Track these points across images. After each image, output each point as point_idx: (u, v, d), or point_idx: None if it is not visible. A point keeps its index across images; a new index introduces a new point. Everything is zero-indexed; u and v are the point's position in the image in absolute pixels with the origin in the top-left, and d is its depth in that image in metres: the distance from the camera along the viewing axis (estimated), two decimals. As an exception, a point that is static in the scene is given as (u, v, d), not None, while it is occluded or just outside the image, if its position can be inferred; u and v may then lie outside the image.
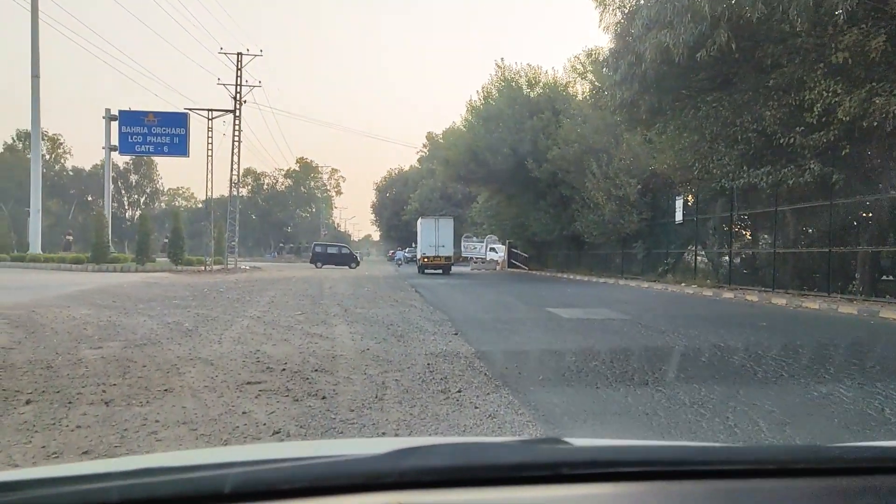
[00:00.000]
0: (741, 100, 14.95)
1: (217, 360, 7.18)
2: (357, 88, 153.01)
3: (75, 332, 9.59)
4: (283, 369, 6.64)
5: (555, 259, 35.36)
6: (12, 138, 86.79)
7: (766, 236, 19.19)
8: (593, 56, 22.67)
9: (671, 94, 15.79)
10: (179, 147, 36.20)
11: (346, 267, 42.52)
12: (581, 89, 30.24)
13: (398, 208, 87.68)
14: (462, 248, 47.06)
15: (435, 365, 6.91)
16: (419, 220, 36.12)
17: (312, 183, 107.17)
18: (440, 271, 33.28)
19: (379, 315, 12.33)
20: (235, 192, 36.92)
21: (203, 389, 5.75)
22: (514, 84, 30.65)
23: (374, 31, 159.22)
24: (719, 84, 15.32)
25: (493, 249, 46.10)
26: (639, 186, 22.81)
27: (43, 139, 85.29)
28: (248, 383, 5.96)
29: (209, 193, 33.88)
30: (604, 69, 16.38)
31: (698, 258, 22.32)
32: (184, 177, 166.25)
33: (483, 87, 31.23)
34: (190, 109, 34.07)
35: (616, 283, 23.66)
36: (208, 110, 33.55)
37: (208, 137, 33.34)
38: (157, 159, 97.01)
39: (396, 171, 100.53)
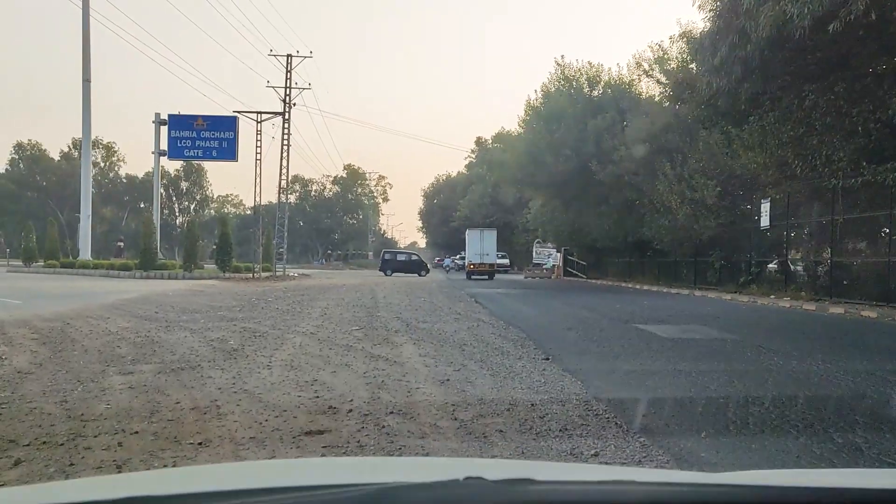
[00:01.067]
0: (859, 85, 13.09)
1: (266, 394, 5.81)
2: (405, 91, 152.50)
3: (107, 352, 8.38)
4: (350, 410, 5.22)
5: (616, 267, 33.47)
6: (68, 147, 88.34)
7: (864, 243, 17.16)
8: (684, 38, 20.41)
9: (776, 81, 13.96)
10: (228, 151, 35.52)
11: (416, 275, 40.95)
12: (646, 87, 28.45)
13: (446, 215, 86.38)
14: (533, 255, 45.58)
15: (542, 406, 5.41)
16: (467, 232, 39.67)
17: (359, 190, 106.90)
18: (486, 277, 36.68)
19: (446, 331, 10.88)
20: (284, 198, 36.03)
21: (248, 442, 4.36)
22: (574, 83, 28.98)
23: (423, 34, 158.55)
24: (833, 67, 13.44)
25: (548, 256, 44.44)
26: (718, 189, 20.88)
27: (98, 147, 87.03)
28: (308, 433, 4.55)
29: (257, 198, 33.04)
30: (697, 54, 14.57)
31: (785, 268, 20.27)
32: (233, 184, 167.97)
33: (542, 86, 29.70)
34: (239, 112, 33.39)
35: (691, 295, 21.77)
36: (257, 113, 32.72)
37: (257, 141, 32.55)
38: (206, 166, 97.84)
39: (444, 177, 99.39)
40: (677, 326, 11.79)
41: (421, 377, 6.75)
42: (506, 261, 50.77)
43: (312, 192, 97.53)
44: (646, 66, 28.64)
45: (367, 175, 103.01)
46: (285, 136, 33.62)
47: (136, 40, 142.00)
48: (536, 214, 41.93)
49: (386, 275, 40.92)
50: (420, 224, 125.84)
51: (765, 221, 19.21)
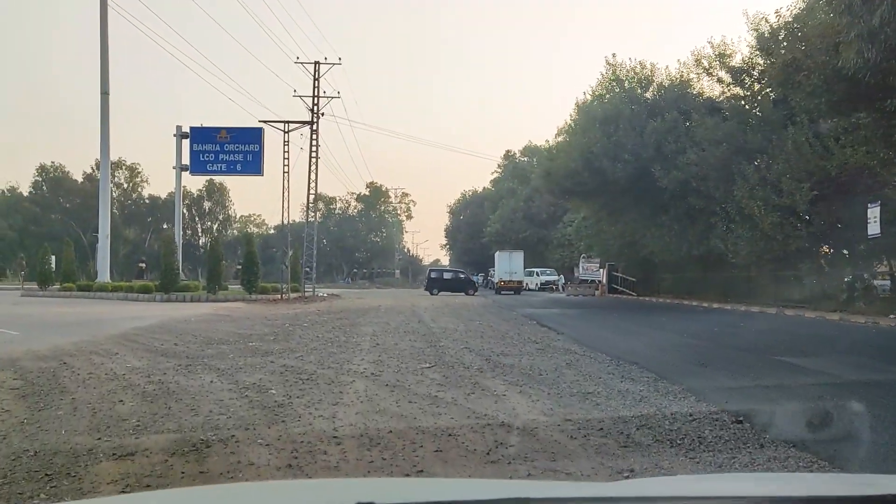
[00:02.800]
0: None
1: None
2: (431, 103, 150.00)
3: (104, 410, 6.07)
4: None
5: (671, 283, 30.76)
6: (91, 168, 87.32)
7: None
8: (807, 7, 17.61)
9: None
10: (253, 165, 33.50)
11: (463, 294, 38.32)
12: (708, 87, 25.91)
13: (473, 231, 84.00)
14: (580, 270, 43.01)
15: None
16: (497, 253, 45.50)
17: (383, 207, 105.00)
18: (512, 292, 40.40)
19: (543, 369, 8.46)
20: (312, 213, 33.87)
21: None
22: (627, 83, 26.55)
23: (449, 45, 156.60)
24: None
25: (592, 271, 41.84)
26: (814, 192, 18.17)
27: (121, 168, 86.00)
28: None
29: (285, 213, 30.87)
30: (842, 16, 12.08)
31: (878, 283, 17.65)
32: (254, 203, 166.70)
33: (592, 89, 27.31)
34: (265, 122, 31.32)
35: (781, 314, 19.10)
36: (284, 122, 30.66)
37: (284, 152, 30.44)
38: (229, 185, 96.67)
39: (470, 193, 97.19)
40: (839, 362, 9.23)
41: (583, 462, 4.31)
42: (554, 277, 48.14)
43: (337, 210, 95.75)
44: (705, 63, 26.17)
45: (392, 192, 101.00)
46: (313, 148, 31.54)
47: (156, 51, 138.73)
48: (579, 227, 39.38)
49: (431, 294, 38.30)
50: (445, 241, 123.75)
51: (873, 229, 16.57)
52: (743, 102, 23.42)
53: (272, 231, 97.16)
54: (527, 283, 50.50)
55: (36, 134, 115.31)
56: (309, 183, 31.91)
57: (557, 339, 12.64)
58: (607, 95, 26.65)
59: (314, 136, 31.78)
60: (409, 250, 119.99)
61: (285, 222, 31.70)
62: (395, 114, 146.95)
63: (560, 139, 69.59)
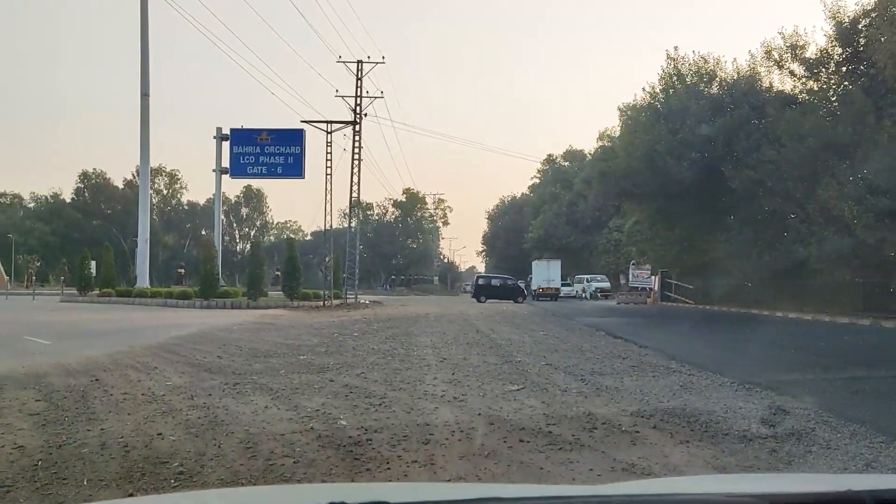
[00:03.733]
0: None
1: None
2: (469, 106, 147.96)
3: (139, 446, 4.84)
4: None
5: (734, 291, 28.84)
6: (132, 175, 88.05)
7: None
8: None
9: None
10: (294, 167, 32.51)
11: (511, 301, 36.71)
12: (778, 80, 24.08)
13: (511, 237, 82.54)
14: (630, 277, 41.09)
15: None
16: (534, 262, 48.21)
17: (419, 214, 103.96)
18: (549, 298, 42.42)
19: (655, 392, 7.05)
20: (356, 216, 32.76)
21: None
22: (689, 77, 24.84)
23: (489, 45, 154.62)
24: None
25: (642, 279, 40.01)
26: (916, 191, 16.35)
27: (161, 174, 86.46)
28: None
29: (327, 217, 29.75)
30: None
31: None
32: (290, 209, 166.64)
33: (651, 86, 25.61)
34: (307, 122, 30.31)
35: (876, 325, 17.31)
36: (327, 122, 29.62)
37: (327, 153, 29.41)
38: (266, 191, 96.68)
39: (509, 199, 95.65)
40: None
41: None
42: (606, 284, 46.05)
43: (374, 216, 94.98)
44: (776, 55, 24.40)
45: (430, 197, 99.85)
46: (356, 149, 30.45)
47: (193, 52, 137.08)
48: (631, 232, 37.63)
49: (479, 301, 36.74)
50: (482, 247, 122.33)
51: None
52: (822, 95, 21.58)
53: (308, 237, 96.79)
54: (577, 291, 48.61)
55: (79, 140, 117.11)
56: (351, 185, 30.85)
57: (644, 353, 11.17)
58: (670, 91, 24.96)
59: (357, 138, 30.72)
60: (444, 257, 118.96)
61: (327, 227, 30.58)
62: (432, 116, 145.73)
63: (603, 143, 68.36)
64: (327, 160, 29.58)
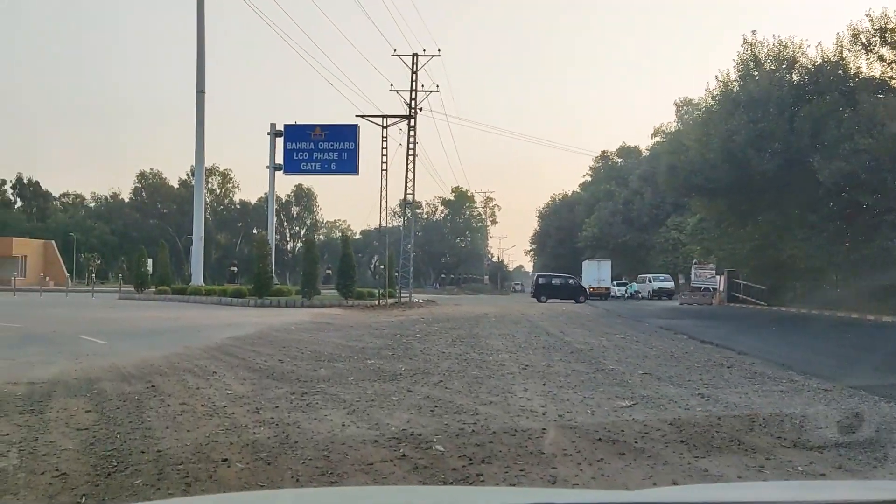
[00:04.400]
0: None
1: None
2: (518, 102, 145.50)
3: (202, 477, 4.02)
4: None
5: (813, 291, 27.08)
6: (186, 174, 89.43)
7: None
8: None
9: None
10: (348, 164, 31.90)
11: (572, 301, 35.38)
12: (866, 66, 22.26)
13: (563, 236, 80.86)
14: (692, 277, 39.33)
15: None
16: (585, 262, 50.49)
17: (468, 213, 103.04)
18: (600, 297, 42.38)
19: (796, 408, 5.93)
20: (410, 213, 32.02)
21: None
22: (767, 64, 23.18)
23: (540, 40, 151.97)
24: None
25: (705, 278, 38.27)
26: None
27: (214, 174, 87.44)
28: None
29: (383, 213, 29.04)
30: None
31: None
32: (337, 208, 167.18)
33: (723, 72, 24.01)
34: (362, 116, 29.62)
35: None
36: (382, 116, 28.89)
37: (383, 148, 28.69)
38: (317, 190, 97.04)
39: (560, 196, 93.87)
40: None
41: None
42: (670, 284, 44.01)
43: (423, 214, 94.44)
44: (863, 38, 22.66)
45: (480, 195, 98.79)
46: (411, 144, 29.65)
47: (248, 48, 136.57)
48: (694, 230, 35.97)
49: (539, 301, 35.49)
50: (530, 246, 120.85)
51: None
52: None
53: (358, 236, 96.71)
54: (628, 291, 46.97)
55: (137, 141, 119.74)
56: (406, 181, 30.08)
57: (748, 361, 9.99)
58: (748, 78, 23.32)
59: (411, 132, 29.92)
60: (492, 255, 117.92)
61: (383, 224, 29.89)
62: (484, 111, 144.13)
63: (658, 139, 66.14)
64: (383, 155, 28.92)
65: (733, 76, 24.05)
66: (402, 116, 29.05)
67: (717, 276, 37.75)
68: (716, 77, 24.45)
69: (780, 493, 1.59)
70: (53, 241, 61.70)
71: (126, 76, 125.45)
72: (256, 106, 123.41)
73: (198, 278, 31.79)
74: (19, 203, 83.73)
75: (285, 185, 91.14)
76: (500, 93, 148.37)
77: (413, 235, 33.28)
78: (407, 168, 29.92)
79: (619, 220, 57.80)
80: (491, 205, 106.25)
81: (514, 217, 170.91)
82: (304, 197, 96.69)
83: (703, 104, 25.26)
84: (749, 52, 23.78)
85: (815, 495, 1.49)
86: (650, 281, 46.03)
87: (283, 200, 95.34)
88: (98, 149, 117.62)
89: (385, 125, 28.95)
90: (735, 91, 23.09)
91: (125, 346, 10.93)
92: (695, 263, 40.50)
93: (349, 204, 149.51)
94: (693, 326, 18.02)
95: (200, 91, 31.45)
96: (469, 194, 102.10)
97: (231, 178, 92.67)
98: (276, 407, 6.17)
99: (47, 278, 49.65)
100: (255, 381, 7.67)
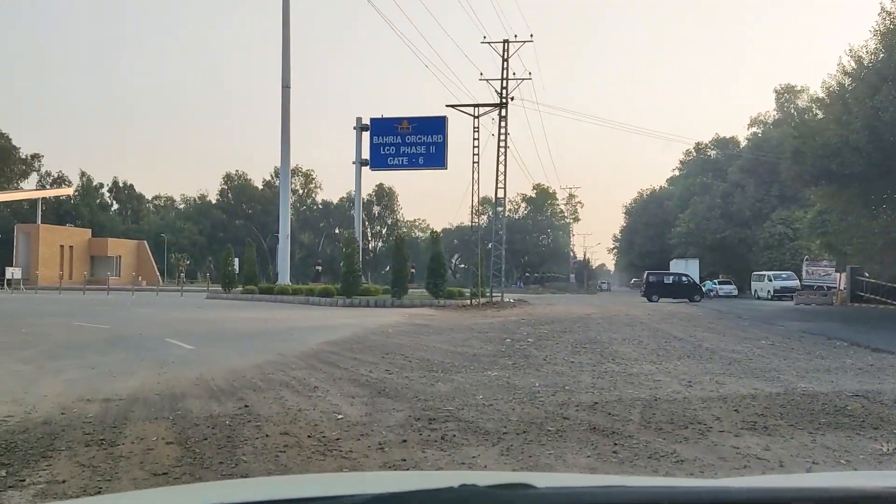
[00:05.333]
0: None
1: None
2: (605, 91, 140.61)
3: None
4: None
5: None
6: (271, 175, 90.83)
7: None
8: None
9: None
10: (436, 157, 30.65)
11: (686, 300, 32.86)
12: None
13: (652, 233, 77.45)
14: (804, 275, 35.91)
15: None
16: (672, 261, 51.79)
17: (549, 210, 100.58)
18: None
19: None
20: (493, 209, 30.41)
21: None
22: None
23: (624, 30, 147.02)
24: None
25: (819, 276, 34.97)
26: None
27: (297, 174, 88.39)
28: None
29: (474, 208, 27.64)
30: None
31: None
32: (419, 207, 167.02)
33: (852, 49, 21.21)
34: (452, 106, 28.22)
35: None
36: (474, 105, 27.44)
37: (474, 139, 27.21)
38: (398, 189, 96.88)
39: (647, 192, 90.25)
40: None
41: None
42: (794, 283, 38.53)
43: (507, 212, 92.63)
44: None
45: (564, 190, 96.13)
46: (502, 135, 28.03)
47: (333, 42, 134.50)
48: (812, 224, 32.81)
49: (651, 301, 33.07)
50: (613, 244, 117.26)
51: None
52: None
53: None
54: (756, 290, 42.17)
55: (224, 143, 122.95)
56: (497, 175, 28.46)
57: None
58: (893, 50, 20.44)
59: (502, 123, 28.29)
60: (574, 254, 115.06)
61: (473, 220, 28.37)
62: (570, 102, 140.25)
63: (755, 130, 61.96)
64: (474, 147, 27.40)
65: (872, 47, 21.15)
66: (495, 105, 27.44)
67: (835, 274, 34.43)
68: (846, 51, 21.65)
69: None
70: (146, 242, 63.33)
71: (213, 79, 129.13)
72: (339, 101, 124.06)
73: (284, 277, 31.19)
74: (115, 206, 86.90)
75: (366, 184, 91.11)
76: (585, 82, 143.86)
77: (505, 232, 31.64)
78: (498, 160, 28.33)
79: (716, 215, 54.30)
80: (574, 202, 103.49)
81: (599, 214, 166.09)
82: (385, 196, 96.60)
83: (831, 83, 22.42)
84: (889, 21, 20.88)
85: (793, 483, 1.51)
86: (770, 279, 40.39)
87: (365, 200, 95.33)
88: (187, 152, 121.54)
89: (477, 115, 27.45)
90: (878, 65, 20.22)
91: (213, 353, 9.79)
92: (806, 260, 37.06)
93: (426, 203, 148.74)
94: (840, 330, 15.74)
95: (286, 86, 30.83)
96: (551, 191, 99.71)
97: (313, 179, 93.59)
98: (403, 441, 4.73)
99: (140, 278, 50.76)
100: (366, 401, 6.27)
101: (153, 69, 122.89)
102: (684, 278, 36.20)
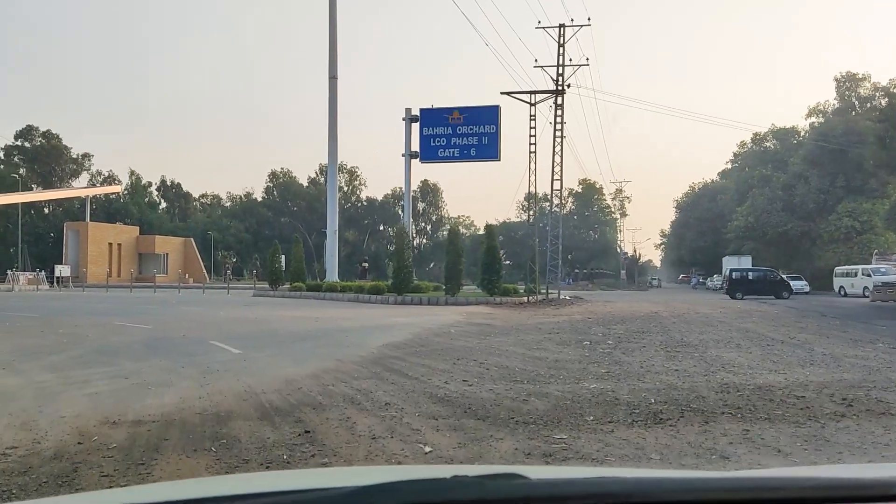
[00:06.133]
0: None
1: None
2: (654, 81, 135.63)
3: None
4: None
5: None
6: (315, 172, 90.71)
7: None
8: None
9: None
10: (489, 149, 29.32)
11: (772, 297, 30.75)
12: None
13: (704, 227, 74.88)
14: (874, 272, 33.19)
15: None
16: (725, 258, 52.81)
17: (596, 206, 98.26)
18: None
19: None
20: (558, 202, 28.98)
21: None
22: None
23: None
24: None
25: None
26: None
27: (342, 171, 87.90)
28: None
29: (531, 198, 26.09)
30: None
31: None
32: (461, 204, 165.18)
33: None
34: (507, 93, 26.74)
35: None
36: (530, 92, 25.96)
37: (530, 127, 25.78)
38: (442, 185, 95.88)
39: (699, 185, 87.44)
40: None
41: None
42: (894, 277, 34.50)
43: (554, 206, 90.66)
44: None
45: (616, 184, 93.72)
46: (558, 124, 26.52)
47: (381, 31, 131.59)
48: (890, 215, 30.54)
49: (735, 298, 31.05)
50: (661, 240, 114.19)
51: None
52: None
53: (482, 232, 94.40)
54: (841, 287, 38.64)
55: (269, 141, 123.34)
56: (553, 165, 26.97)
57: None
58: None
59: (559, 111, 26.79)
60: (622, 250, 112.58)
61: (531, 213, 26.93)
62: (621, 88, 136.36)
63: (814, 119, 58.99)
64: (530, 136, 25.95)
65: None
66: (551, 92, 25.95)
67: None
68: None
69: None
70: (192, 239, 63.40)
71: (258, 77, 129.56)
72: (383, 93, 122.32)
73: (332, 274, 30.19)
74: (163, 204, 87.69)
75: (413, 178, 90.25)
76: (636, 69, 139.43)
77: (561, 226, 30.16)
78: (554, 151, 26.83)
79: (777, 208, 51.69)
80: (621, 196, 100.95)
81: (646, 209, 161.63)
82: (429, 192, 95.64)
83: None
84: None
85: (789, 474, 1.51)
86: (863, 274, 35.49)
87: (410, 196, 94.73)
88: (233, 150, 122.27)
89: (533, 102, 25.98)
90: None
91: (262, 358, 8.67)
92: (875, 254, 34.51)
93: (469, 199, 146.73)
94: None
95: (333, 77, 29.80)
96: (598, 186, 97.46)
97: (358, 176, 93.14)
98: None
99: (186, 275, 50.55)
100: (453, 424, 5.02)
101: (199, 68, 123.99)
102: (770, 274, 33.87)
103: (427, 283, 30.31)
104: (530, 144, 25.94)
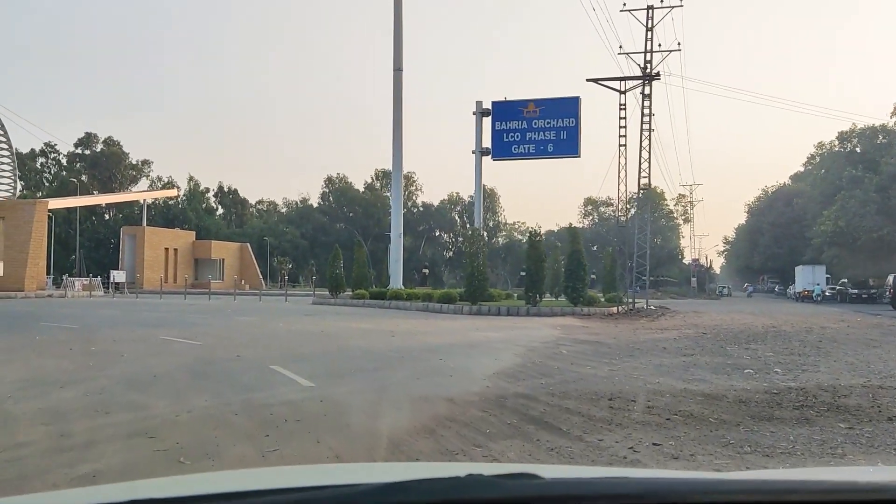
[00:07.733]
0: None
1: None
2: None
3: None
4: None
5: None
6: (371, 178, 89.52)
7: None
8: None
9: None
10: (569, 144, 26.80)
11: None
12: None
13: (778, 233, 70.71)
14: None
15: None
16: (798, 267, 52.47)
17: (657, 213, 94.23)
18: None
19: None
20: (646, 203, 26.25)
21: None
22: None
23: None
24: None
25: None
26: None
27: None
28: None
29: (623, 196, 23.52)
30: None
31: None
32: (518, 210, 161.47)
33: None
34: (593, 80, 24.22)
35: None
36: (619, 80, 23.41)
37: (620, 117, 23.28)
38: (500, 190, 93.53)
39: (772, 188, 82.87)
40: None
41: None
42: None
43: (616, 212, 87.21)
44: None
45: (685, 187, 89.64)
46: (646, 116, 23.87)
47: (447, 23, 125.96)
48: None
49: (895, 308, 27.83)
50: (724, 247, 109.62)
51: None
52: None
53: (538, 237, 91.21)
54: None
55: (325, 146, 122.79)
56: (640, 162, 24.34)
57: None
58: None
59: (646, 102, 24.11)
60: (682, 256, 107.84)
61: (621, 214, 24.32)
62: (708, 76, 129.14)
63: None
64: (621, 126, 23.38)
65: None
66: (640, 78, 23.34)
67: None
68: None
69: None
70: (248, 244, 62.48)
71: (313, 84, 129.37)
72: (444, 88, 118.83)
73: (396, 281, 28.03)
74: (220, 210, 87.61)
75: (467, 185, 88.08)
76: (719, 57, 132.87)
77: (649, 230, 27.44)
78: (641, 147, 24.19)
79: (871, 212, 47.55)
80: (684, 202, 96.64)
81: (710, 216, 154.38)
82: (487, 197, 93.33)
83: None
84: None
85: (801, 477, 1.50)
86: None
87: (466, 202, 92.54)
88: (289, 156, 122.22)
89: (623, 90, 23.42)
90: None
91: (344, 395, 6.37)
92: None
93: (531, 204, 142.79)
94: None
95: (398, 69, 27.72)
96: (659, 191, 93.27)
97: (414, 181, 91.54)
98: None
99: (242, 281, 49.34)
100: None
101: (255, 72, 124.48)
102: None
103: (498, 290, 27.88)
104: (620, 136, 23.43)
